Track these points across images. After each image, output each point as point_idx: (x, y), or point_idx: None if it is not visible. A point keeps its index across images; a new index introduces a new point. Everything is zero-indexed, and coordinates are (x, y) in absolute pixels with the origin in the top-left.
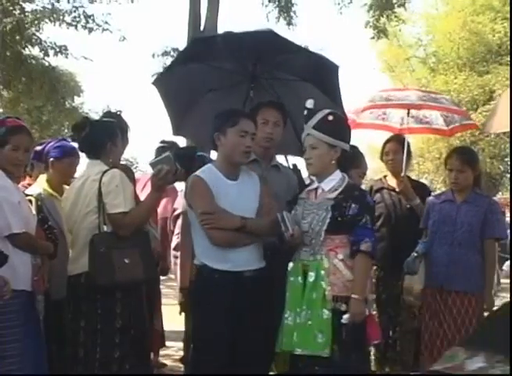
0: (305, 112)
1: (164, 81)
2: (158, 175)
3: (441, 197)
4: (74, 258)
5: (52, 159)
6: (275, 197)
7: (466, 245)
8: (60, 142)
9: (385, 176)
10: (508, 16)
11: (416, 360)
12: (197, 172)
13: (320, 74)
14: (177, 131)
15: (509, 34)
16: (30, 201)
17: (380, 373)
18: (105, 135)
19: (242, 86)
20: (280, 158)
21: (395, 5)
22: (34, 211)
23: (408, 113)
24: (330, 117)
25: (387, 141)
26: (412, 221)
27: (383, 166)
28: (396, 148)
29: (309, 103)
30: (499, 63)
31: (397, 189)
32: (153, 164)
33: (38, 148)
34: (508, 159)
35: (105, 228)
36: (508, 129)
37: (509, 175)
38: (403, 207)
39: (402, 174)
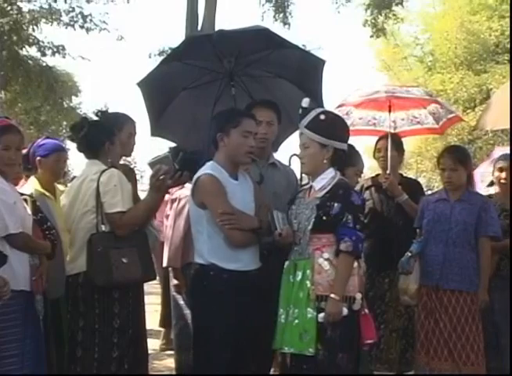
0: (300, 111)
1: (146, 83)
2: (156, 175)
3: (435, 196)
4: (73, 257)
5: (38, 158)
6: (273, 196)
7: (461, 244)
8: (43, 141)
9: (377, 174)
10: (505, 14)
11: (403, 359)
12: (207, 170)
13: (299, 71)
14: (154, 132)
15: (507, 33)
16: (26, 201)
17: (380, 373)
18: (103, 135)
19: (215, 83)
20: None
21: (393, 4)
22: (29, 211)
23: (389, 112)
24: (322, 117)
25: (380, 138)
26: (399, 217)
27: None
28: (388, 145)
29: (305, 102)
30: (495, 62)
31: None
32: (151, 164)
33: (25, 150)
34: None
35: (103, 227)
36: (503, 127)
37: None
38: (390, 204)
39: (388, 171)
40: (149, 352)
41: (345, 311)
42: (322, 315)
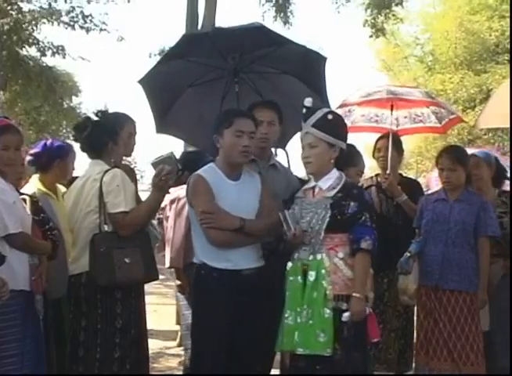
0: (304, 110)
1: (148, 80)
2: (159, 175)
3: (434, 196)
4: (75, 257)
5: (58, 160)
6: (274, 197)
7: (460, 244)
8: (58, 142)
9: (377, 174)
10: (505, 14)
11: (402, 359)
12: (199, 171)
13: (304, 66)
14: (159, 129)
15: (507, 33)
16: (24, 200)
17: (380, 373)
18: (106, 135)
19: (221, 81)
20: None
21: (392, 4)
22: (28, 211)
23: (391, 110)
24: (330, 116)
25: (380, 138)
26: (399, 218)
27: None
28: (388, 145)
29: (308, 102)
30: (496, 62)
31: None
32: (154, 164)
33: (36, 150)
34: (506, 157)
35: (105, 227)
36: (498, 125)
37: (506, 174)
38: (390, 204)
39: (388, 171)
40: (150, 352)
41: (368, 310)
42: (346, 314)
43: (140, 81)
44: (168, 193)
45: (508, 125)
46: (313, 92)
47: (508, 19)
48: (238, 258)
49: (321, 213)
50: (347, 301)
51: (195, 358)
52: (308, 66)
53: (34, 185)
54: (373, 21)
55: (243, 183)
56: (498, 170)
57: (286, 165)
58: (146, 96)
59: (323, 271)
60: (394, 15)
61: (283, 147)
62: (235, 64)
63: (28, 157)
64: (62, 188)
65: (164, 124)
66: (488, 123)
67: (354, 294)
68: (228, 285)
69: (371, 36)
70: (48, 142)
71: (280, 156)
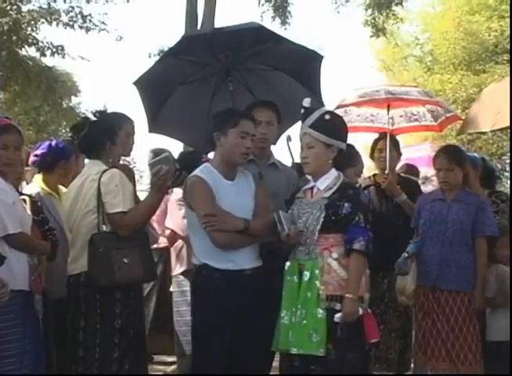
0: (302, 111)
1: (142, 81)
2: (157, 175)
3: (432, 196)
4: (74, 257)
5: (63, 160)
6: (273, 196)
7: (458, 244)
8: (62, 143)
9: (375, 174)
10: (504, 14)
11: (402, 359)
12: (196, 172)
13: (299, 65)
14: (152, 128)
15: (506, 33)
16: (24, 201)
17: (377, 373)
18: (104, 135)
19: (213, 78)
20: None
21: (392, 4)
22: (28, 211)
23: (388, 110)
24: (327, 117)
25: (379, 139)
26: (398, 218)
27: None
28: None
29: (306, 102)
30: (495, 62)
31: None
32: (152, 165)
33: (41, 151)
34: (505, 157)
35: (104, 227)
36: (488, 129)
37: (506, 173)
38: (389, 204)
39: (387, 171)
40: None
41: (361, 311)
42: (338, 315)
43: (135, 83)
44: (167, 193)
45: (488, 129)
46: (307, 91)
47: (507, 20)
48: (239, 258)
49: (316, 213)
50: (341, 302)
51: (196, 358)
52: (303, 65)
53: (37, 185)
54: (373, 21)
55: (238, 183)
56: (486, 171)
57: (289, 156)
58: (140, 97)
59: (317, 271)
60: (394, 15)
61: (275, 143)
62: (228, 62)
63: (33, 158)
64: (63, 189)
65: (155, 124)
66: (469, 128)
67: (346, 295)
68: (231, 285)
69: (372, 36)
70: (53, 142)
71: (283, 148)
